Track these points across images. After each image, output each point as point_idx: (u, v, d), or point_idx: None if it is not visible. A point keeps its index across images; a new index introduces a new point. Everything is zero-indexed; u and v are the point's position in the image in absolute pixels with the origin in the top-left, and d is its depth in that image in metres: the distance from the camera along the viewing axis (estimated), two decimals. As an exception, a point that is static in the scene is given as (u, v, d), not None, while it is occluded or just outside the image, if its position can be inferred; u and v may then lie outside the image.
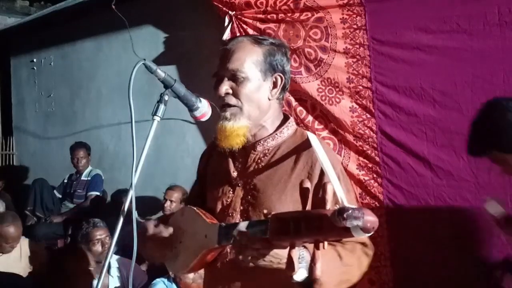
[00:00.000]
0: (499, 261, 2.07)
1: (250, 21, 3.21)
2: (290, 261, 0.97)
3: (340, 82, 2.90)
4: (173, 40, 4.32)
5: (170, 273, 2.96)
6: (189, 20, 4.10)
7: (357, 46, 2.85)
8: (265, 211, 1.05)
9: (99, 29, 5.05)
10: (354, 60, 2.87)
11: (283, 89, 1.39)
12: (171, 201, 3.78)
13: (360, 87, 2.86)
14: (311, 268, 0.96)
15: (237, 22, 3.27)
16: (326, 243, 0.95)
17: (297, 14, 3.00)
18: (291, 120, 1.43)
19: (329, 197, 0.92)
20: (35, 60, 6.05)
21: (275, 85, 1.36)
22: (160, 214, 4.05)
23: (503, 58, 2.46)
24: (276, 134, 1.38)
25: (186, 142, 4.28)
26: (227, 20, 3.31)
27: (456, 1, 2.58)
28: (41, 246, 3.77)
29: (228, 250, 1.32)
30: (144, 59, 1.21)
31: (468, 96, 2.55)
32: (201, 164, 1.56)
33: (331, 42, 2.92)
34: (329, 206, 0.91)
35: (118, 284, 3.00)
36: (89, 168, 4.93)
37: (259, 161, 1.37)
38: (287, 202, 1.29)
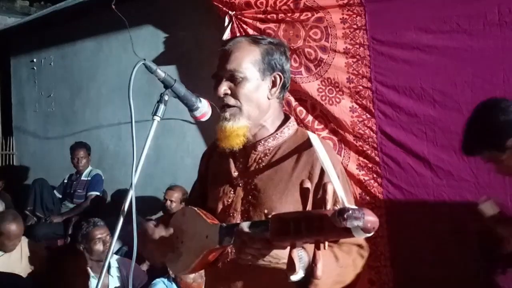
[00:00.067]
0: (500, 256, 2.07)
1: (250, 21, 3.21)
2: (291, 262, 0.97)
3: (340, 82, 2.90)
4: (173, 40, 4.32)
5: (170, 273, 2.96)
6: (189, 20, 4.11)
7: (357, 46, 2.85)
8: (265, 211, 1.05)
9: (99, 29, 5.05)
10: (354, 60, 2.87)
11: (283, 88, 1.39)
12: (171, 201, 3.78)
13: (360, 87, 2.86)
14: (312, 268, 0.96)
15: (237, 22, 3.27)
16: (326, 243, 0.95)
17: (297, 14, 3.00)
18: (292, 120, 1.43)
19: (329, 197, 0.93)
20: (35, 60, 6.05)
21: (274, 84, 1.36)
22: (160, 214, 4.05)
23: (503, 58, 2.47)
24: (277, 134, 1.38)
25: (186, 142, 4.29)
26: (227, 20, 3.31)
27: (456, 1, 2.58)
28: (41, 246, 3.77)
29: (229, 250, 1.32)
30: (144, 59, 1.21)
31: (468, 96, 2.55)
32: (202, 164, 1.56)
33: (331, 42, 2.92)
34: (329, 206, 0.91)
35: (118, 284, 3.00)
36: (89, 168, 4.93)
37: (260, 161, 1.37)
38: (287, 202, 1.29)
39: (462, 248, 2.50)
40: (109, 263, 2.95)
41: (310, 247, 1.00)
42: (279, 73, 1.35)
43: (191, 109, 1.32)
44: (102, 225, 3.10)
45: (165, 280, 2.97)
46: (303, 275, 1.05)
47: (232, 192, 1.38)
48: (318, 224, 0.89)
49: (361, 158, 2.88)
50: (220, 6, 3.31)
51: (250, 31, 3.19)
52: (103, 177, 4.89)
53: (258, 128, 1.37)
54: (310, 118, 3.04)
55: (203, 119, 1.35)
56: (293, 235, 0.95)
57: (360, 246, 1.30)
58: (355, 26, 2.86)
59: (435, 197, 2.64)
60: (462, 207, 2.49)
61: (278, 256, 1.11)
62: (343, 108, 2.91)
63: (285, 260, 0.99)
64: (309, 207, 0.99)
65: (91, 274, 2.98)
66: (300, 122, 3.02)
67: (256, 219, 1.27)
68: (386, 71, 2.78)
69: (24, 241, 3.42)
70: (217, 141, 1.36)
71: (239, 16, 3.25)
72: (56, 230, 4.47)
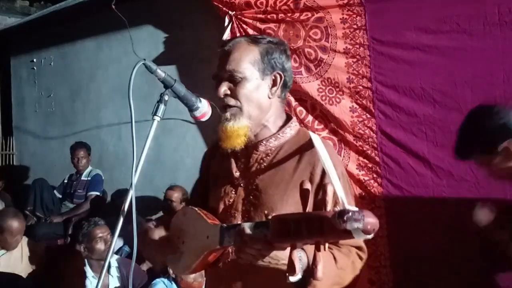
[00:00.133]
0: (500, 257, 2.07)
1: (250, 21, 3.21)
2: (291, 263, 0.97)
3: (340, 82, 2.91)
4: (173, 40, 4.32)
5: (171, 272, 2.96)
6: (189, 20, 4.10)
7: (357, 46, 2.86)
8: (266, 212, 1.04)
9: (99, 29, 5.05)
10: (354, 60, 2.87)
11: (284, 87, 1.38)
12: (171, 201, 3.77)
13: (360, 87, 2.86)
14: (311, 269, 0.96)
15: (237, 22, 3.27)
16: (327, 244, 0.95)
17: (297, 14, 3.00)
18: (294, 120, 1.42)
19: (329, 198, 0.93)
20: (35, 60, 6.05)
21: (274, 83, 1.35)
22: (160, 214, 4.05)
23: (503, 58, 2.47)
24: (279, 134, 1.38)
25: (186, 142, 4.28)
26: (227, 20, 3.31)
27: (456, 1, 2.58)
28: (41, 246, 3.77)
29: (230, 250, 1.32)
30: (144, 59, 1.21)
31: (468, 96, 2.55)
32: (203, 164, 1.56)
33: (331, 42, 2.92)
34: (330, 207, 0.91)
35: (118, 284, 3.00)
36: (89, 168, 4.92)
37: (261, 161, 1.36)
38: (289, 203, 1.29)
39: (462, 248, 2.50)
40: (109, 263, 2.95)
41: (309, 248, 1.00)
42: (279, 72, 1.35)
43: (191, 109, 1.32)
44: (103, 224, 3.11)
45: (165, 280, 2.97)
46: (300, 277, 1.05)
47: (233, 192, 1.38)
48: (318, 226, 0.89)
49: (361, 158, 2.88)
50: (220, 6, 3.31)
51: (250, 31, 3.19)
52: (103, 177, 4.89)
53: (260, 128, 1.37)
54: (310, 118, 3.04)
55: (203, 119, 1.35)
56: (293, 236, 0.95)
57: (359, 248, 1.30)
58: (355, 26, 2.86)
59: (435, 197, 2.64)
60: (462, 207, 2.48)
61: (278, 257, 1.11)
62: (343, 108, 2.91)
63: (285, 261, 0.99)
64: (309, 208, 0.99)
65: (92, 274, 2.98)
66: (300, 122, 3.02)
67: (257, 219, 1.27)
68: (386, 71, 2.78)
69: (24, 240, 3.42)
70: (218, 141, 1.36)
71: (239, 16, 3.25)
72: (56, 230, 4.47)
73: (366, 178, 2.86)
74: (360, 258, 1.31)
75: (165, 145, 4.32)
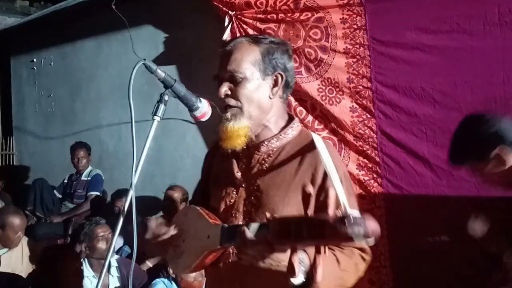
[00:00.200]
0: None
1: (250, 21, 3.21)
2: (291, 265, 0.97)
3: (340, 82, 2.91)
4: (173, 40, 4.32)
5: (171, 272, 2.97)
6: (189, 20, 4.11)
7: (357, 46, 2.86)
8: (267, 215, 1.04)
9: (99, 29, 5.05)
10: (354, 60, 2.87)
11: (286, 87, 1.38)
12: (171, 201, 3.77)
13: (360, 87, 2.86)
14: (312, 273, 0.96)
15: (237, 22, 3.27)
16: (326, 247, 0.95)
17: (297, 14, 3.00)
18: (296, 121, 1.42)
19: (331, 201, 0.92)
20: (35, 60, 6.05)
21: (276, 83, 1.35)
22: (160, 214, 4.05)
23: (503, 58, 2.47)
24: (281, 134, 1.37)
25: (186, 142, 4.28)
26: (227, 20, 3.31)
27: (456, 1, 2.58)
28: (41, 246, 3.77)
29: (231, 251, 1.32)
30: (144, 59, 1.21)
31: (468, 96, 2.55)
32: (205, 164, 1.56)
33: (331, 42, 2.92)
34: (331, 210, 0.91)
35: (118, 284, 3.00)
36: (89, 168, 4.93)
37: (263, 161, 1.36)
38: (290, 204, 1.28)
39: (462, 248, 2.50)
40: (109, 263, 2.95)
41: (311, 250, 1.00)
42: (281, 72, 1.35)
43: (191, 109, 1.32)
44: (104, 223, 3.12)
45: (165, 280, 2.97)
46: (303, 279, 1.05)
47: (234, 193, 1.37)
48: (319, 229, 0.89)
49: (361, 158, 2.88)
50: (220, 6, 3.31)
51: (250, 31, 3.19)
52: (103, 177, 4.89)
53: (261, 128, 1.36)
54: (310, 118, 3.04)
55: (203, 119, 1.35)
56: (294, 238, 0.95)
57: (362, 249, 1.30)
58: (355, 26, 2.86)
59: (435, 197, 2.64)
60: (462, 207, 2.48)
61: (279, 259, 1.11)
62: (343, 108, 2.91)
63: (286, 263, 0.99)
64: (311, 210, 0.98)
65: (92, 273, 2.99)
66: (300, 122, 3.01)
67: (258, 220, 1.26)
68: (386, 71, 2.78)
69: (25, 240, 3.43)
70: (219, 141, 1.35)
71: (239, 16, 3.25)
72: (56, 230, 4.47)
73: (366, 178, 2.86)
74: (364, 259, 1.30)
75: (165, 145, 4.32)
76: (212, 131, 1.41)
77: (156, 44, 4.39)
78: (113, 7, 3.89)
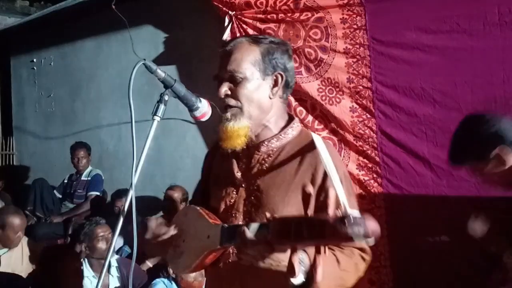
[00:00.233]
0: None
1: (250, 21, 3.21)
2: (291, 266, 0.97)
3: (340, 82, 2.91)
4: (173, 40, 4.32)
5: (171, 272, 2.97)
6: (189, 20, 4.11)
7: (357, 46, 2.86)
8: (267, 215, 1.04)
9: (99, 29, 5.05)
10: (354, 60, 2.87)
11: (286, 87, 1.38)
12: (171, 201, 3.77)
13: (360, 87, 2.86)
14: (312, 273, 0.96)
15: (237, 22, 3.27)
16: (326, 247, 0.95)
17: (297, 14, 3.00)
18: (296, 121, 1.42)
19: (331, 201, 0.92)
20: (35, 60, 6.05)
21: (275, 83, 1.35)
22: (160, 214, 4.05)
23: (503, 58, 2.47)
24: (281, 135, 1.37)
25: (186, 142, 4.28)
26: (227, 20, 3.31)
27: (456, 1, 2.58)
28: (41, 246, 3.77)
29: (231, 251, 1.32)
30: (144, 59, 1.21)
31: (468, 96, 2.55)
32: (205, 164, 1.56)
33: (331, 42, 2.92)
34: (331, 211, 0.91)
35: (118, 284, 3.00)
36: (89, 168, 4.93)
37: (263, 161, 1.36)
38: (290, 204, 1.28)
39: (462, 248, 2.50)
40: (109, 262, 2.95)
41: (311, 250, 1.00)
42: (281, 72, 1.34)
43: (191, 109, 1.32)
44: (104, 223, 3.12)
45: (165, 280, 2.98)
46: (304, 279, 1.05)
47: (234, 193, 1.37)
48: (319, 230, 0.89)
49: (361, 158, 2.88)
50: (220, 6, 3.31)
51: (250, 31, 3.19)
52: (103, 177, 4.89)
53: (261, 128, 1.36)
54: (310, 118, 3.04)
55: (203, 119, 1.35)
56: (294, 239, 0.95)
57: (362, 249, 1.30)
58: (355, 26, 2.86)
59: (435, 197, 2.64)
60: (462, 207, 2.49)
61: (279, 259, 1.11)
62: (343, 108, 2.91)
63: (286, 263, 0.99)
64: (310, 211, 0.98)
65: (92, 273, 2.99)
66: (300, 122, 3.01)
67: (258, 220, 1.26)
68: (386, 71, 2.78)
69: (25, 240, 3.43)
70: (219, 141, 1.35)
71: (239, 16, 3.25)
72: (56, 230, 4.47)
73: (366, 178, 2.86)
74: (364, 259, 1.30)
75: (165, 145, 4.32)
76: (212, 131, 1.41)
77: (156, 44, 4.39)
78: (113, 7, 3.90)
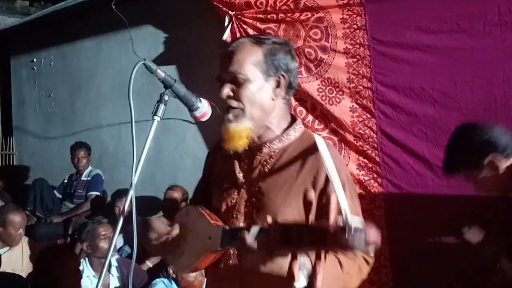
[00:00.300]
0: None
1: (250, 21, 3.21)
2: (291, 272, 0.97)
3: (340, 82, 2.91)
4: (173, 40, 4.32)
5: (171, 272, 2.97)
6: (189, 20, 4.11)
7: (357, 46, 2.86)
8: (269, 219, 1.03)
9: (99, 29, 5.05)
10: (354, 60, 2.87)
11: (289, 87, 1.36)
12: (171, 201, 3.77)
13: (360, 87, 2.86)
14: (312, 279, 0.96)
15: (237, 22, 3.27)
16: (328, 253, 0.95)
17: (297, 14, 3.00)
18: (299, 122, 1.40)
19: (332, 208, 0.92)
20: (35, 60, 6.05)
21: (278, 84, 1.33)
22: (160, 214, 4.05)
23: (503, 58, 2.47)
24: (283, 136, 1.36)
25: (186, 142, 4.28)
26: (227, 20, 3.31)
27: (456, 1, 2.58)
28: (41, 246, 3.77)
29: (232, 252, 1.32)
30: (144, 59, 1.21)
31: (468, 96, 2.55)
32: (207, 163, 1.55)
33: (331, 42, 2.92)
34: (332, 217, 0.91)
35: (118, 284, 3.00)
36: (89, 168, 4.92)
37: (264, 163, 1.35)
38: (291, 206, 1.28)
39: (462, 248, 2.50)
40: (110, 262, 2.96)
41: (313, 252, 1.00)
42: (283, 73, 1.33)
43: (191, 109, 1.32)
44: (106, 222, 3.12)
45: (165, 280, 2.98)
46: (305, 284, 1.05)
47: (236, 194, 1.37)
48: (320, 237, 0.89)
49: (361, 158, 2.88)
50: (220, 6, 3.31)
51: (250, 31, 3.19)
52: (103, 177, 4.89)
53: (263, 130, 1.35)
54: (310, 118, 3.04)
55: (203, 119, 1.35)
56: (294, 245, 0.94)
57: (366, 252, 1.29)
58: (355, 26, 2.86)
59: (435, 197, 2.64)
60: (462, 207, 2.49)
61: (280, 264, 1.10)
62: (343, 108, 2.91)
63: (287, 267, 0.99)
64: (312, 216, 0.98)
65: (93, 273, 2.99)
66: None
67: (259, 221, 1.26)
68: (386, 71, 2.78)
69: (25, 240, 3.44)
70: (221, 142, 1.35)
71: (239, 16, 3.25)
72: (56, 230, 4.47)
73: (366, 178, 2.87)
74: (367, 262, 1.30)
75: (165, 145, 4.32)
76: (212, 131, 1.41)
77: (156, 44, 4.39)
78: (113, 7, 3.90)
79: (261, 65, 1.31)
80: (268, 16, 3.11)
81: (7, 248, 3.30)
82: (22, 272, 3.24)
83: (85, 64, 5.36)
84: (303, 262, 1.05)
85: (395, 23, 2.74)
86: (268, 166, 1.34)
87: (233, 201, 1.36)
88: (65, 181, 5.01)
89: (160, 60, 4.21)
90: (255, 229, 1.08)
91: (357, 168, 2.89)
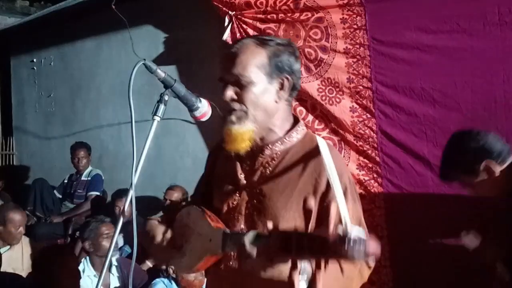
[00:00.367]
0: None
1: (250, 21, 3.21)
2: (291, 281, 0.97)
3: (340, 82, 2.91)
4: (173, 40, 4.32)
5: (171, 272, 2.97)
6: (189, 20, 4.11)
7: (357, 46, 2.86)
8: (269, 225, 1.02)
9: (99, 29, 5.05)
10: (354, 60, 2.87)
11: (292, 89, 1.34)
12: (171, 201, 3.78)
13: (360, 87, 2.86)
14: (312, 285, 0.96)
15: (237, 22, 3.27)
16: (327, 261, 0.95)
17: (297, 14, 3.00)
18: (301, 124, 1.39)
19: (332, 217, 0.92)
20: (35, 60, 6.05)
21: (282, 86, 1.31)
22: (160, 214, 4.06)
23: (503, 58, 2.47)
24: (285, 138, 1.34)
25: (186, 142, 4.29)
26: (227, 20, 3.31)
27: (456, 1, 2.58)
28: (41, 246, 3.77)
29: (232, 254, 1.31)
30: (144, 59, 1.21)
31: (468, 96, 2.55)
32: (209, 163, 1.54)
33: (331, 42, 2.92)
34: (332, 226, 0.91)
35: (118, 284, 3.00)
36: (89, 168, 4.93)
37: (266, 165, 1.34)
38: (292, 210, 1.27)
39: (462, 248, 2.50)
40: (110, 261, 2.96)
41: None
42: (287, 75, 1.31)
43: (191, 109, 1.32)
44: (109, 222, 3.13)
45: (165, 280, 2.98)
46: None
47: (237, 195, 1.36)
48: (320, 247, 0.89)
49: (361, 158, 2.88)
50: (220, 6, 3.31)
51: (250, 31, 3.19)
52: (103, 177, 4.89)
53: (266, 132, 1.33)
54: (310, 118, 3.04)
55: (203, 119, 1.35)
56: (294, 253, 0.94)
57: None
58: (355, 26, 2.86)
59: (435, 197, 2.64)
60: (462, 207, 2.49)
61: (280, 269, 1.10)
62: (343, 108, 2.91)
63: (287, 272, 0.98)
64: (312, 222, 0.98)
65: (93, 272, 2.99)
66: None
67: (260, 224, 1.26)
68: (386, 71, 2.78)
69: (25, 240, 3.44)
70: (222, 143, 1.33)
71: (239, 16, 3.25)
72: (56, 230, 4.47)
73: (366, 178, 2.87)
74: (369, 266, 1.29)
75: (165, 145, 4.32)
76: (212, 131, 1.41)
77: (156, 44, 4.39)
78: (113, 7, 3.90)
79: (265, 67, 1.28)
80: (268, 16, 3.11)
81: (8, 247, 3.30)
82: (22, 272, 3.24)
83: (85, 64, 5.36)
84: (303, 267, 1.05)
85: (395, 23, 2.74)
86: (270, 168, 1.33)
87: (234, 203, 1.36)
88: (65, 181, 5.01)
89: (160, 60, 4.21)
90: (251, 234, 1.08)
91: (357, 168, 2.89)
